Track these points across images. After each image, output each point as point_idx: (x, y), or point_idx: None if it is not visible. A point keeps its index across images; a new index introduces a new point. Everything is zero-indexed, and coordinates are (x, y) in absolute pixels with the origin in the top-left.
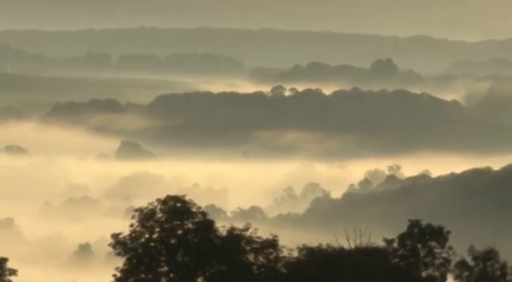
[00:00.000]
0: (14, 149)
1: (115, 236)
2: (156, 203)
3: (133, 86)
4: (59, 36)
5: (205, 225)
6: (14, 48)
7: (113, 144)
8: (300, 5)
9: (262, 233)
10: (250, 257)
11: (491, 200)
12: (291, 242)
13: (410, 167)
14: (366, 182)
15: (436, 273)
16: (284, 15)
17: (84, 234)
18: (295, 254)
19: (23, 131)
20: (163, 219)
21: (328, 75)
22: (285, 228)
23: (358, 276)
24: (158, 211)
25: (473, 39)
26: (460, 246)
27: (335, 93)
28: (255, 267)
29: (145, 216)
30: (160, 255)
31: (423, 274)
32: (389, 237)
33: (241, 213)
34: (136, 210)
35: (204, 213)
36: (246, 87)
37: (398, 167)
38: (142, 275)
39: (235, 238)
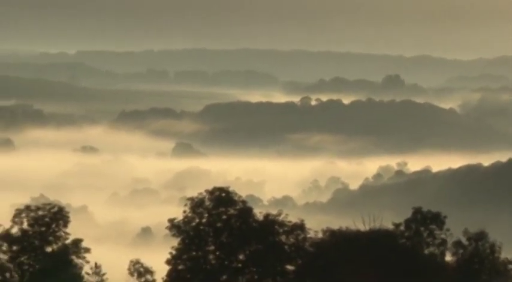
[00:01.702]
0: (88, 149)
1: (171, 220)
2: (204, 193)
3: (186, 96)
4: (125, 55)
5: (245, 211)
6: (88, 66)
7: (169, 144)
8: (323, 30)
9: (292, 218)
10: (283, 238)
11: (482, 190)
12: (316, 226)
13: (414, 164)
14: (378, 176)
15: (436, 251)
16: (311, 38)
17: (146, 219)
18: (320, 235)
19: (95, 134)
20: (210, 206)
21: (347, 88)
22: (312, 214)
23: (372, 254)
24: (206, 200)
25: (466, 57)
26: (456, 229)
27: (353, 103)
28: (286, 247)
29: (196, 204)
30: (208, 236)
31: (426, 252)
32: (397, 221)
33: (275, 202)
34: (189, 199)
35: (244, 202)
36: (279, 97)
37: (405, 164)
38: (194, 253)
39: (270, 222)
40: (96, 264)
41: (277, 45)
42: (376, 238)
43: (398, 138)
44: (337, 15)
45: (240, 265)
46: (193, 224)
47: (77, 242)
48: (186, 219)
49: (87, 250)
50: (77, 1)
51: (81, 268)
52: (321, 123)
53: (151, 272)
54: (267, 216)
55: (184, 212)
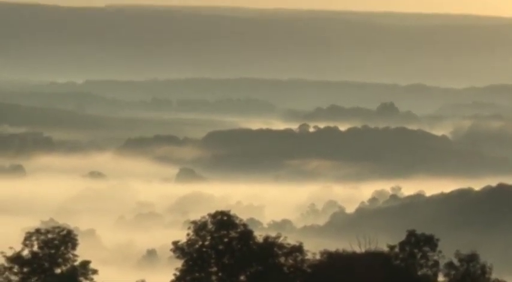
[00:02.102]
0: (95, 174)
1: (175, 243)
2: (207, 217)
3: (189, 124)
4: (129, 84)
5: (246, 234)
6: (93, 94)
7: (173, 170)
8: (320, 60)
9: (291, 240)
10: (282, 259)
11: (473, 213)
12: (314, 248)
13: (408, 188)
14: (373, 199)
15: (429, 272)
16: (308, 67)
17: (151, 241)
18: (318, 257)
19: (102, 160)
20: (213, 229)
21: (343, 116)
22: (309, 236)
23: (368, 275)
24: (209, 223)
25: (458, 86)
26: (448, 251)
27: (349, 130)
28: (285, 268)
29: (199, 227)
30: (211, 258)
31: (419, 273)
32: (392, 244)
33: (275, 225)
34: (192, 222)
35: (245, 225)
36: (278, 125)
37: (399, 188)
38: (197, 274)
39: (269, 244)
40: None
41: (276, 74)
42: (371, 260)
43: (393, 163)
44: (334, 46)
45: None
46: (197, 246)
47: (84, 264)
48: (189, 242)
49: (95, 271)
50: (84, 33)
51: None
52: (318, 149)
53: None
54: (266, 238)
55: (188, 234)
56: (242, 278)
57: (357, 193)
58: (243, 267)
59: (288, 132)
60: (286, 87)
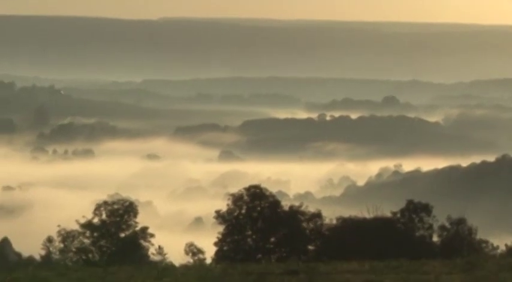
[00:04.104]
0: (152, 156)
1: (217, 212)
2: (243, 190)
3: (228, 114)
4: (178, 83)
5: (275, 204)
6: (149, 91)
7: (215, 152)
8: (335, 61)
9: (312, 208)
10: (304, 224)
11: (461, 186)
12: (331, 214)
13: (408, 165)
14: (379, 175)
15: (425, 233)
16: (325, 67)
17: (198, 210)
18: (334, 222)
19: (157, 144)
20: (248, 200)
21: (354, 106)
22: (327, 205)
23: (375, 236)
24: (244, 195)
25: (448, 81)
26: (441, 216)
27: (359, 118)
28: (307, 231)
29: (236, 199)
30: (246, 224)
31: (417, 234)
32: (394, 210)
33: (298, 196)
34: (231, 195)
35: (274, 196)
36: (301, 114)
37: (400, 165)
38: (235, 237)
39: (294, 212)
40: (159, 246)
41: (298, 73)
42: (378, 224)
43: (395, 145)
44: (346, 50)
45: (271, 246)
46: (235, 214)
47: (143, 229)
48: (229, 211)
49: (152, 235)
50: (142, 41)
51: (147, 250)
52: (334, 134)
53: (202, 252)
54: (291, 207)
55: (228, 205)
56: (272, 239)
57: (366, 169)
58: (272, 231)
59: (309, 121)
60: (307, 84)
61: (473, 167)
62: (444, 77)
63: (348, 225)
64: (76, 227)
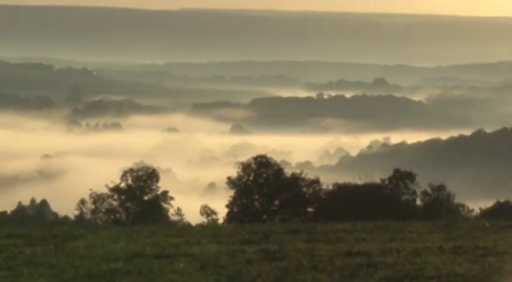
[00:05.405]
0: (171, 129)
1: (228, 178)
2: (251, 159)
3: (239, 93)
4: (195, 65)
5: (279, 171)
6: (170, 72)
7: (227, 126)
8: (332, 46)
9: (311, 175)
10: (305, 189)
11: (441, 156)
12: (327, 181)
13: (395, 138)
14: (370, 147)
15: (410, 198)
16: (323, 52)
17: (211, 177)
18: (330, 187)
19: (177, 119)
20: (255, 168)
21: (348, 87)
22: (324, 173)
23: (366, 200)
24: (252, 164)
25: (430, 65)
26: (423, 183)
27: (352, 97)
28: (307, 195)
29: (245, 167)
30: (254, 189)
31: (402, 198)
32: (383, 178)
33: (299, 165)
34: (241, 163)
35: (278, 165)
36: (301, 93)
37: (388, 138)
38: (244, 200)
39: (295, 178)
40: (178, 208)
41: (299, 57)
42: (368, 189)
43: (384, 121)
44: (342, 38)
45: (276, 208)
46: (244, 180)
47: (164, 193)
48: (238, 177)
49: (172, 198)
50: (164, 29)
51: (167, 211)
52: (330, 111)
53: (215, 213)
54: (293, 174)
55: (238, 172)
56: (276, 202)
57: (358, 142)
58: (276, 195)
59: (308, 99)
60: (307, 67)
61: (452, 140)
62: (427, 62)
63: (342, 191)
64: (105, 190)
